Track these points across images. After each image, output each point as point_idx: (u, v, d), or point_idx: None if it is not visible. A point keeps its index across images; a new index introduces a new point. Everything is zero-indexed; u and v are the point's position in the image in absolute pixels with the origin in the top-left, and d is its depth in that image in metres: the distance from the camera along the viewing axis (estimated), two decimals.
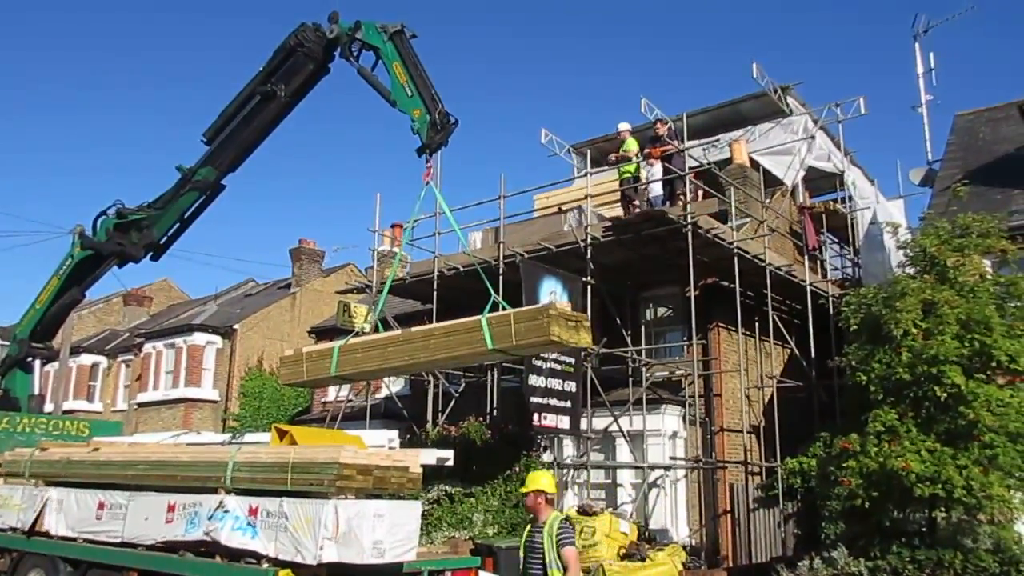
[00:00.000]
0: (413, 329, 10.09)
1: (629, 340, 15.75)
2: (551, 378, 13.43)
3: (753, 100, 17.83)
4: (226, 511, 7.89)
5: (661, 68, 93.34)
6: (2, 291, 72.29)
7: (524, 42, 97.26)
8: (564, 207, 16.52)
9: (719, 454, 14.90)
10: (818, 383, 15.60)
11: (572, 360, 13.86)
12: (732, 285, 14.55)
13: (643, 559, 11.25)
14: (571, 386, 13.85)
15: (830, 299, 16.23)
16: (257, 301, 32.41)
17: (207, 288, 65.45)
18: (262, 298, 32.84)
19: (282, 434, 9.09)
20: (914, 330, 10.02)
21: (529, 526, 6.59)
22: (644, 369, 15.27)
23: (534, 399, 13.08)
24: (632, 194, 15.92)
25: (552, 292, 13.52)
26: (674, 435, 15.19)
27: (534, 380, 13.11)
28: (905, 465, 9.36)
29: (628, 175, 16.01)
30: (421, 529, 8.91)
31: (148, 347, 28.79)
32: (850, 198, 18.15)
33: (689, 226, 13.70)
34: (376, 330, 14.80)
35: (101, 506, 9.36)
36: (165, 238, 13.69)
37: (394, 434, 12.58)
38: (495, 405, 15.82)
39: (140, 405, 28.39)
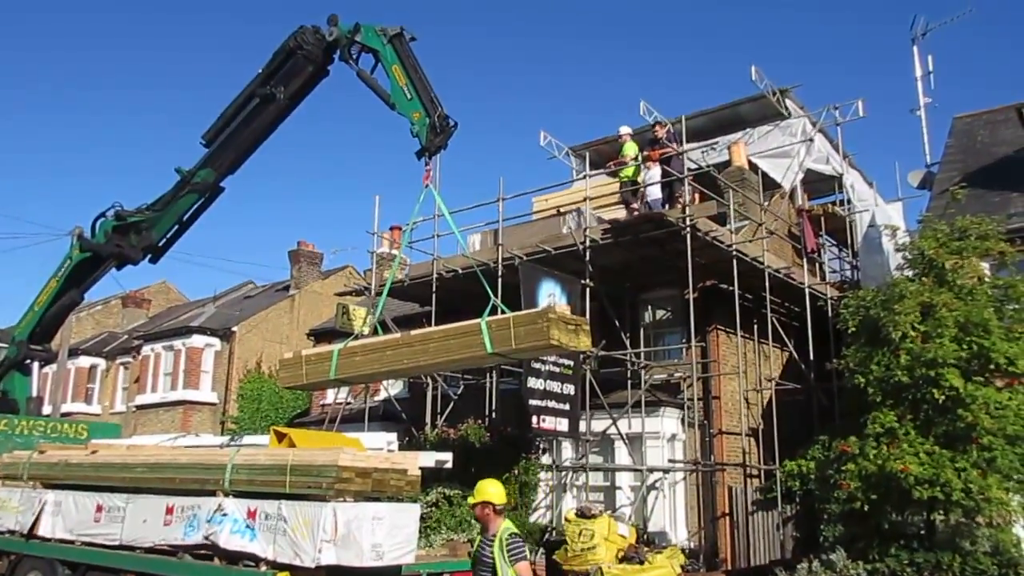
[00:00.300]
0: (412, 332, 10.08)
1: (628, 342, 15.75)
2: (550, 380, 13.43)
3: (752, 103, 17.84)
4: (225, 514, 7.88)
5: (660, 71, 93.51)
6: (1, 293, 72.27)
7: (523, 44, 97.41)
8: (563, 209, 16.52)
9: (718, 457, 14.90)
10: (817, 386, 15.61)
11: (571, 363, 13.87)
12: (731, 288, 14.56)
13: (642, 562, 11.24)
14: (570, 388, 13.85)
15: (829, 302, 16.23)
16: (256, 303, 32.39)
17: (206, 290, 65.43)
18: (261, 300, 32.82)
19: (281, 436, 9.08)
20: (912, 333, 10.02)
21: (479, 537, 6.54)
22: (643, 371, 15.28)
23: (533, 401, 13.08)
24: (630, 197, 15.93)
25: (551, 294, 13.51)
26: (673, 437, 15.19)
27: (533, 382, 13.11)
28: (904, 468, 9.36)
29: (627, 179, 16.03)
30: (420, 532, 8.89)
31: (147, 349, 28.77)
32: (849, 201, 18.16)
33: (688, 228, 13.71)
34: (375, 332, 14.79)
35: (99, 509, 9.35)
36: (164, 240, 13.69)
37: (393, 436, 12.60)
38: (494, 407, 15.82)
39: (138, 407, 28.37)
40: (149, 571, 8.49)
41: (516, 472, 13.62)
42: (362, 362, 10.12)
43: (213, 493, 8.21)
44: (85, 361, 31.77)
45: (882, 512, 10.29)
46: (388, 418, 19.02)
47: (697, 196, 15.26)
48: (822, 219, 18.48)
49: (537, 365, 13.12)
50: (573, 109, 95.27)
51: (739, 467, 14.98)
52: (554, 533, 13.75)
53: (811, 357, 15.59)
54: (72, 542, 9.58)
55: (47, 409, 21.28)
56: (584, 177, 16.27)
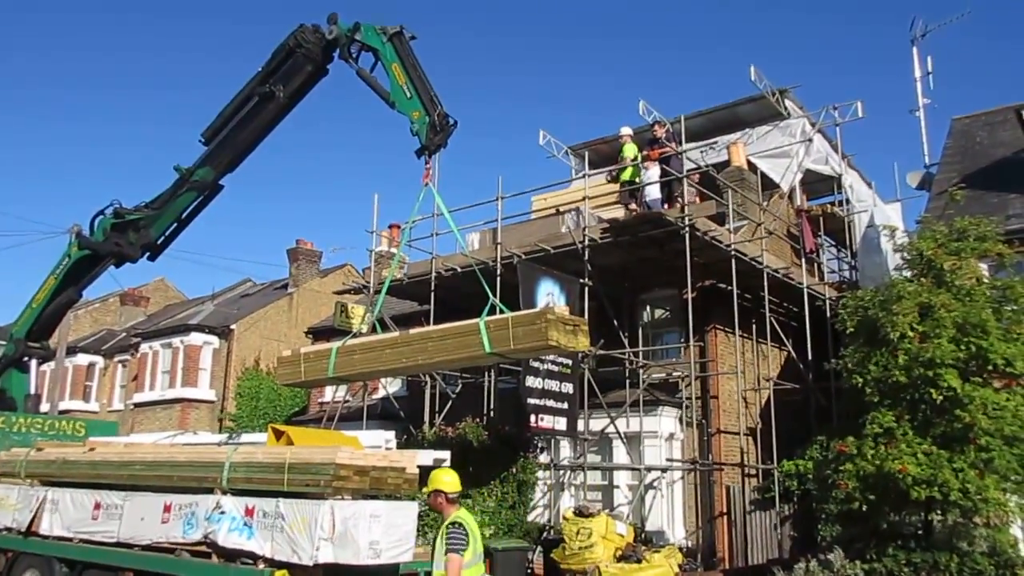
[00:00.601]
0: (411, 331, 10.09)
1: (626, 342, 15.76)
2: (548, 379, 13.43)
3: (751, 103, 17.85)
4: (223, 512, 7.89)
5: (659, 71, 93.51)
6: None
7: (523, 44, 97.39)
8: (562, 208, 16.52)
9: (716, 456, 14.90)
10: (815, 386, 15.62)
11: (569, 362, 13.87)
12: (729, 287, 14.56)
13: (639, 561, 11.26)
14: (568, 388, 13.86)
15: (827, 302, 16.25)
16: (254, 301, 32.38)
17: (204, 288, 65.36)
18: (259, 298, 32.81)
19: (279, 434, 9.09)
20: (911, 333, 10.03)
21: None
22: (641, 371, 15.28)
23: (531, 400, 13.08)
24: (628, 198, 15.93)
25: (549, 294, 13.52)
26: (671, 437, 15.20)
27: (531, 381, 13.11)
28: (901, 468, 9.36)
29: (626, 180, 16.03)
30: (417, 530, 8.89)
31: (145, 347, 28.75)
32: (847, 201, 18.17)
33: (687, 228, 13.71)
34: (374, 331, 14.79)
35: (97, 506, 9.36)
36: (162, 238, 13.68)
37: (391, 435, 12.58)
38: (492, 406, 15.82)
39: (136, 405, 28.35)
40: (147, 569, 8.50)
41: (514, 471, 13.62)
42: (360, 360, 10.13)
43: (211, 491, 8.22)
44: (83, 359, 31.75)
45: (880, 512, 10.30)
46: (386, 416, 19.02)
47: (697, 195, 15.26)
48: (821, 219, 18.49)
49: (536, 364, 13.13)
50: (572, 108, 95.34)
51: (737, 467, 14.99)
52: (552, 532, 13.77)
53: (809, 357, 15.60)
54: (70, 540, 9.58)
55: (45, 407, 21.31)
56: (583, 176, 16.27)
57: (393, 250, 20.93)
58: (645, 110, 18.10)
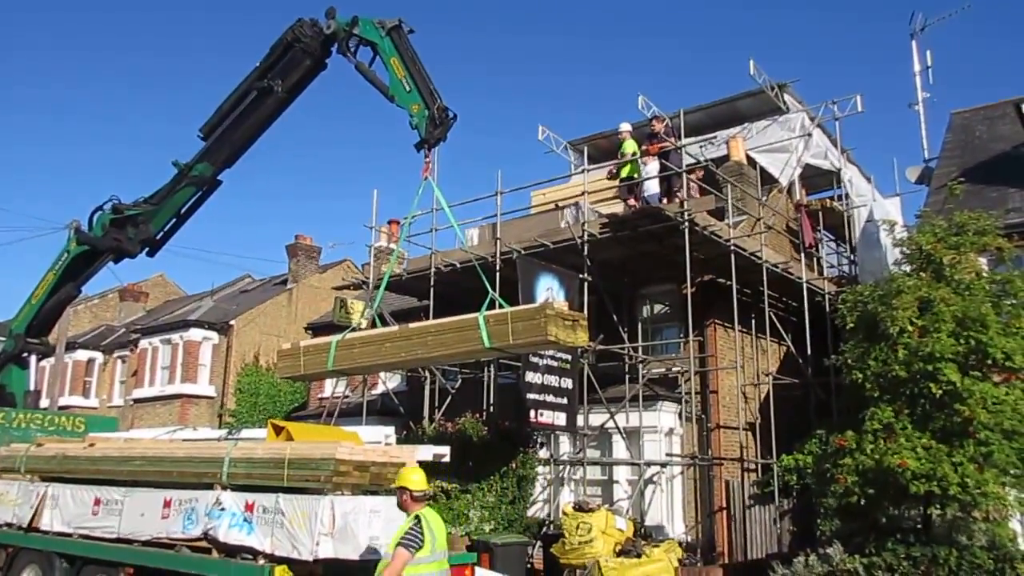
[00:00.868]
0: (410, 325, 10.08)
1: (626, 337, 15.76)
2: (548, 375, 13.43)
3: (750, 98, 17.81)
4: (223, 508, 7.90)
5: (658, 65, 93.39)
6: None
7: (521, 39, 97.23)
8: (561, 204, 16.50)
9: (715, 451, 14.91)
10: (814, 380, 15.62)
11: (569, 357, 13.86)
12: (729, 282, 14.55)
13: (639, 555, 11.26)
14: (568, 383, 13.85)
15: (826, 296, 16.25)
16: (253, 297, 32.37)
17: (203, 284, 65.41)
18: (258, 294, 32.80)
19: (278, 430, 9.09)
20: (910, 327, 10.03)
21: None
22: (641, 366, 15.28)
23: (531, 395, 13.08)
24: (626, 193, 15.91)
25: (549, 289, 13.51)
26: (670, 432, 15.21)
27: (531, 376, 13.11)
28: (901, 462, 9.37)
29: (625, 176, 16.00)
30: None
31: (144, 343, 28.76)
32: (847, 195, 18.15)
33: (686, 223, 13.70)
34: (373, 326, 14.77)
35: (97, 502, 9.37)
36: (161, 234, 13.67)
37: (390, 430, 12.59)
38: (492, 401, 15.81)
39: (136, 401, 28.37)
40: (147, 564, 8.51)
41: (514, 466, 13.61)
42: (360, 354, 10.13)
43: (211, 486, 8.23)
44: (82, 355, 31.75)
45: (879, 506, 10.32)
46: (386, 412, 19.02)
47: (697, 189, 15.25)
48: (820, 214, 18.48)
49: (535, 359, 13.13)
50: (572, 103, 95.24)
51: (736, 461, 15.01)
52: (552, 527, 13.78)
53: (809, 352, 15.61)
54: (70, 535, 9.59)
55: (44, 402, 21.37)
56: (583, 171, 16.25)
57: (392, 246, 20.90)
58: (644, 105, 18.07)
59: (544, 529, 13.89)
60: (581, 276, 14.58)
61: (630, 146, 16.01)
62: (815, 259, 18.12)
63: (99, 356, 32.13)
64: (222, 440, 10.27)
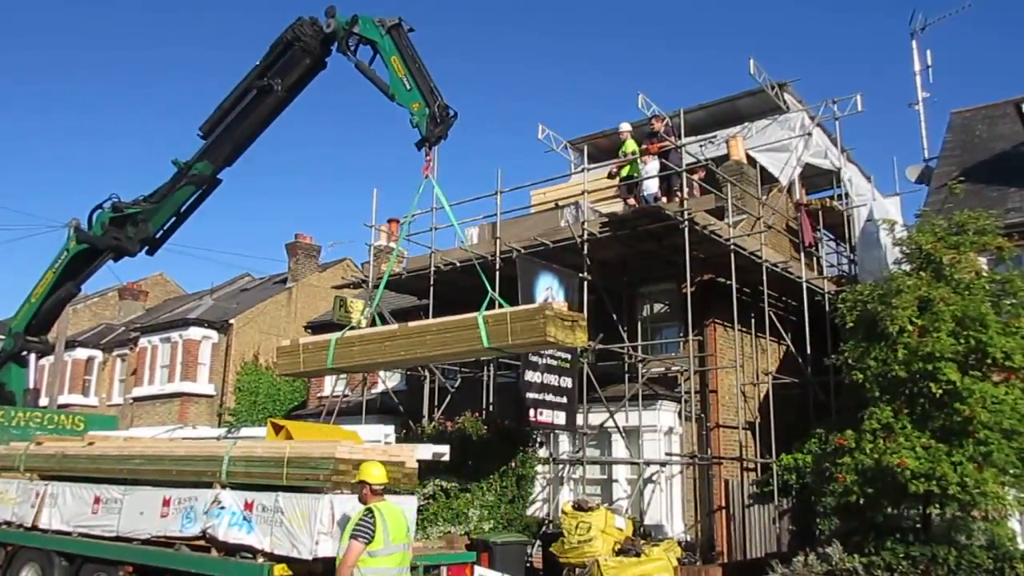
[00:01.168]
0: (409, 324, 10.07)
1: (625, 336, 15.76)
2: (547, 374, 13.43)
3: (750, 97, 17.80)
4: (222, 507, 7.89)
5: (658, 64, 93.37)
6: None
7: (521, 38, 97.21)
8: (561, 203, 16.51)
9: (715, 450, 14.92)
10: (814, 380, 15.62)
11: (568, 356, 13.87)
12: (728, 281, 14.55)
13: (638, 554, 11.27)
14: (567, 382, 13.86)
15: (826, 296, 16.25)
16: (253, 296, 32.36)
17: (203, 282, 65.36)
18: (258, 293, 32.79)
19: (278, 429, 9.09)
20: (910, 327, 10.03)
21: None
22: (640, 365, 15.29)
23: (530, 395, 13.09)
24: (626, 192, 15.90)
25: (548, 288, 13.51)
26: (670, 431, 15.21)
27: (530, 376, 13.12)
28: (900, 461, 9.38)
29: (625, 175, 15.99)
30: (417, 524, 8.91)
31: (144, 341, 28.75)
32: (846, 195, 18.14)
33: (686, 222, 13.70)
34: (372, 325, 14.77)
35: (96, 500, 9.37)
36: (161, 232, 13.65)
37: (390, 429, 12.61)
38: (491, 400, 15.82)
39: (135, 399, 28.36)
40: (146, 562, 8.50)
41: (513, 465, 13.62)
42: (359, 352, 10.13)
43: (210, 485, 8.23)
44: (82, 353, 31.73)
45: (878, 506, 10.32)
46: (386, 411, 19.02)
47: (697, 188, 15.24)
48: (820, 213, 18.49)
49: (535, 358, 13.13)
50: (572, 102, 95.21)
51: (736, 461, 15.01)
52: (551, 526, 13.79)
53: (808, 351, 15.61)
54: (69, 534, 9.59)
55: (44, 401, 21.31)
56: (582, 171, 16.25)
57: (392, 244, 20.90)
58: (644, 104, 18.06)
59: (543, 528, 13.90)
60: (581, 275, 14.58)
61: (631, 146, 16.01)
62: (815, 258, 18.12)
63: (99, 355, 32.12)
64: (221, 439, 10.30)
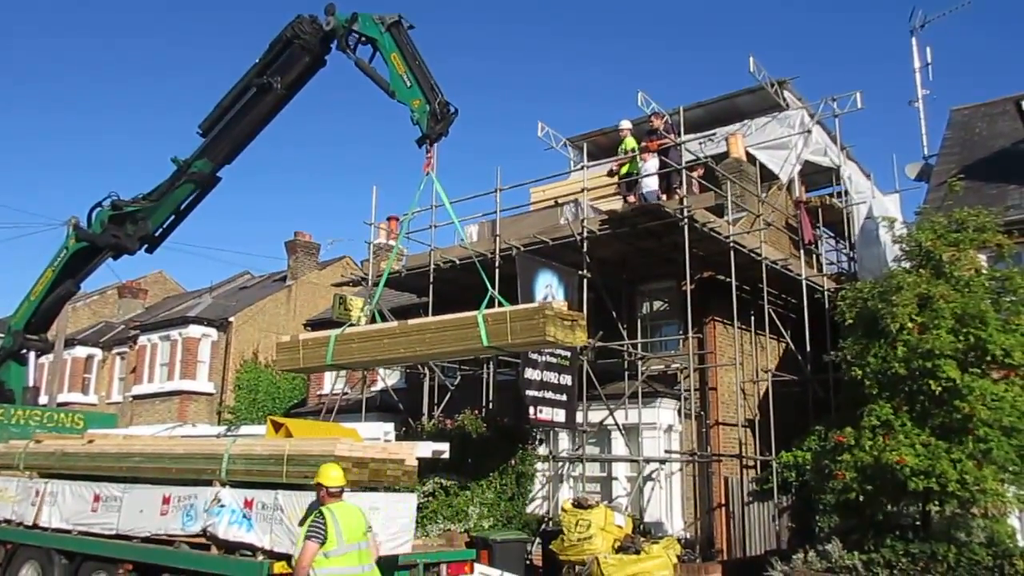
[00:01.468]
0: (409, 322, 10.07)
1: (625, 334, 15.76)
2: (547, 371, 13.44)
3: (749, 94, 17.79)
4: (222, 504, 7.89)
5: (657, 62, 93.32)
6: None
7: (521, 35, 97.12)
8: (560, 200, 16.50)
9: (714, 448, 14.92)
10: (813, 377, 15.63)
11: (568, 354, 13.87)
12: (728, 279, 14.55)
13: (638, 552, 11.27)
14: (567, 379, 13.86)
15: (826, 293, 16.24)
16: (252, 294, 32.35)
17: (202, 280, 65.40)
18: (257, 291, 32.78)
19: (277, 427, 9.08)
20: (910, 324, 10.04)
21: None
22: (640, 363, 15.29)
23: (530, 392, 13.09)
24: (626, 189, 15.89)
25: (548, 285, 13.51)
26: (669, 428, 15.22)
27: (530, 373, 13.12)
28: (899, 459, 9.39)
29: (625, 172, 15.98)
30: (416, 522, 8.90)
31: (143, 339, 28.74)
32: (846, 192, 18.14)
33: (685, 220, 13.70)
34: (372, 323, 14.76)
35: (96, 498, 9.36)
36: (160, 230, 13.65)
37: (390, 427, 12.61)
38: (491, 398, 15.83)
39: (135, 397, 28.35)
40: (146, 560, 8.50)
41: (513, 462, 13.63)
42: (358, 349, 10.13)
43: (210, 483, 8.22)
44: (81, 351, 31.72)
45: (877, 503, 10.33)
46: (385, 408, 19.02)
47: (696, 185, 15.23)
48: (819, 211, 18.49)
49: (534, 356, 13.13)
50: (571, 100, 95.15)
51: (735, 458, 15.02)
52: (551, 523, 13.79)
53: (808, 349, 15.61)
54: (68, 531, 9.59)
55: (43, 399, 21.29)
56: (582, 168, 16.23)
57: (391, 242, 20.90)
58: (643, 101, 18.03)
59: (543, 526, 13.91)
60: (580, 273, 14.58)
61: (631, 143, 16.00)
62: (814, 256, 18.12)
63: (98, 353, 32.12)
64: (221, 437, 10.28)
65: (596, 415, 15.15)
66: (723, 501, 14.60)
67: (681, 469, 15.02)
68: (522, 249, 14.87)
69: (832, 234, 19.66)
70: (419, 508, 10.79)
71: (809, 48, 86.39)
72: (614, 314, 15.81)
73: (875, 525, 10.49)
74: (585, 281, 14.64)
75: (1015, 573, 9.11)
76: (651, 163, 15.39)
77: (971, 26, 71.07)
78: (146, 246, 13.76)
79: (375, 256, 18.36)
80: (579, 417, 14.36)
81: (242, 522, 7.74)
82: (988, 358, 9.76)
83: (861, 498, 9.96)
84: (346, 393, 19.97)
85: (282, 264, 33.19)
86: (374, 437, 10.27)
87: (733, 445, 15.12)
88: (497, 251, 15.04)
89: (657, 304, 16.89)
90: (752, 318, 16.02)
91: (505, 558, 11.00)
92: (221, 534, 7.80)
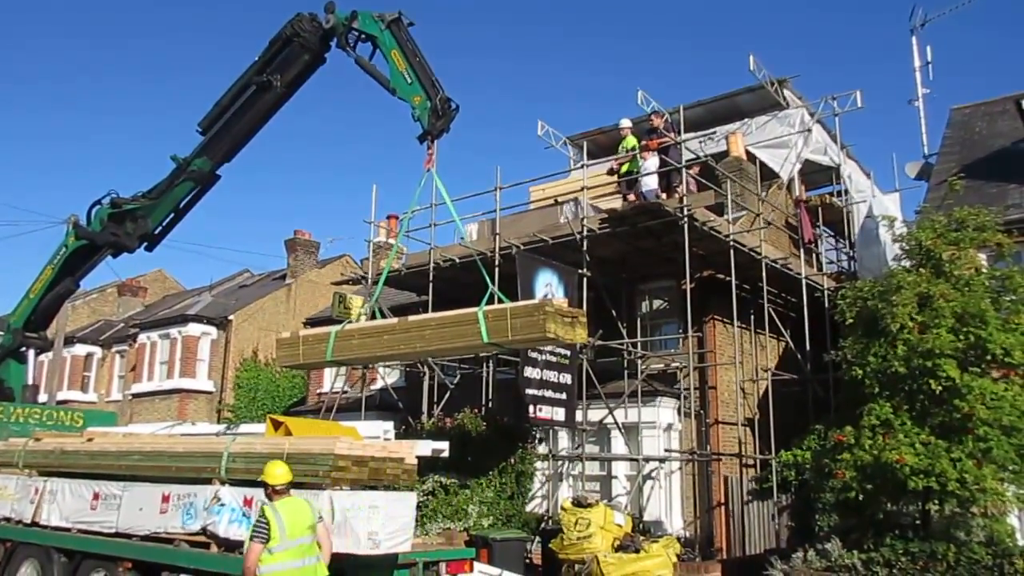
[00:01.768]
0: (409, 318, 10.06)
1: (625, 333, 15.75)
2: (547, 370, 13.43)
3: (749, 93, 17.77)
4: (222, 503, 7.88)
5: (657, 61, 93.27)
6: None
7: (520, 34, 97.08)
8: (560, 199, 16.49)
9: (714, 446, 14.92)
10: (813, 376, 15.63)
11: (568, 352, 13.86)
12: (728, 278, 14.55)
13: (638, 551, 11.27)
14: (567, 378, 13.86)
15: (825, 292, 16.24)
16: (252, 292, 32.34)
17: (202, 279, 65.39)
18: (257, 289, 32.77)
19: (277, 425, 9.07)
20: (910, 323, 10.04)
21: None
22: (639, 362, 15.28)
23: (530, 391, 13.09)
24: (626, 188, 15.89)
25: (548, 284, 13.50)
26: (669, 427, 15.22)
27: (530, 372, 13.11)
28: (899, 458, 9.39)
29: (625, 171, 15.97)
30: (416, 521, 8.89)
31: (143, 337, 28.73)
32: (846, 191, 18.14)
33: (685, 219, 13.69)
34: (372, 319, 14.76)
35: (95, 496, 9.35)
36: (160, 228, 13.65)
37: (389, 425, 12.57)
38: (491, 397, 15.82)
39: (135, 396, 28.35)
40: (145, 559, 8.49)
41: (513, 461, 13.63)
42: (359, 345, 10.13)
43: (209, 481, 8.21)
44: (81, 349, 31.70)
45: (877, 502, 10.33)
46: (385, 407, 19.02)
47: (695, 185, 15.22)
48: (819, 210, 18.48)
49: (534, 355, 13.12)
50: (571, 99, 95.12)
51: (735, 457, 15.02)
52: (550, 522, 13.80)
53: (808, 348, 15.60)
54: (68, 530, 9.58)
55: (43, 397, 21.29)
56: (582, 167, 16.22)
57: (391, 241, 20.89)
58: (643, 100, 18.00)
59: (543, 524, 13.91)
60: (580, 272, 14.57)
61: (631, 142, 15.99)
62: (814, 255, 18.11)
63: (97, 351, 32.10)
64: (221, 435, 10.26)
65: (596, 414, 15.15)
66: (723, 500, 14.60)
67: (681, 468, 15.02)
68: (522, 248, 14.86)
69: (832, 233, 19.65)
70: (419, 507, 10.78)
71: (809, 47, 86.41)
72: (614, 313, 15.81)
73: (875, 524, 10.49)
74: (585, 280, 14.63)
75: (1015, 572, 9.11)
76: (651, 162, 15.39)
77: (971, 25, 71.12)
78: (145, 244, 13.76)
79: (375, 255, 18.35)
80: (579, 416, 14.35)
81: (242, 520, 7.73)
82: (988, 357, 9.76)
83: (861, 497, 9.97)
84: (346, 391, 19.96)
85: (282, 262, 33.21)
86: (374, 436, 10.23)
87: (733, 444, 15.12)
88: (497, 250, 15.03)
89: (657, 303, 16.88)
90: (752, 317, 16.02)
91: (505, 557, 10.98)
92: (221, 532, 7.79)
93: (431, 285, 16.18)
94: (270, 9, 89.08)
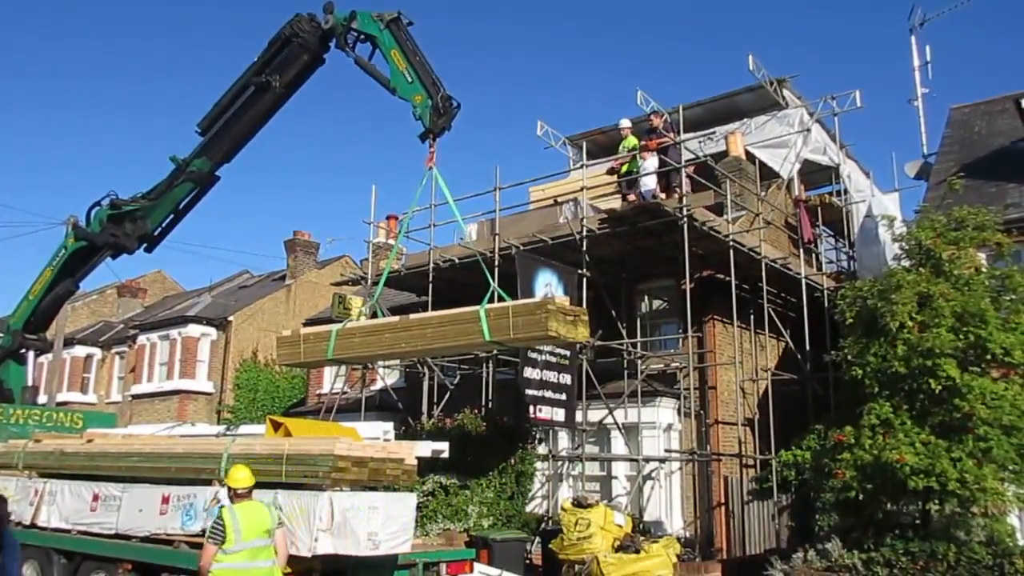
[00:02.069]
0: (410, 317, 10.07)
1: (624, 333, 15.75)
2: (546, 370, 13.42)
3: (749, 93, 17.78)
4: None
5: (657, 60, 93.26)
6: None
7: (519, 35, 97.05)
8: (560, 199, 16.48)
9: (714, 447, 14.92)
10: (813, 376, 15.62)
11: (568, 353, 13.87)
12: (727, 278, 14.55)
13: (638, 551, 11.26)
14: (566, 378, 13.85)
15: (825, 292, 16.23)
16: (252, 293, 32.33)
17: (201, 280, 65.30)
18: (257, 290, 32.75)
19: (277, 426, 9.08)
20: (910, 323, 10.03)
21: None
22: (639, 362, 15.28)
23: (529, 391, 13.08)
24: (625, 188, 15.88)
25: (547, 284, 13.49)
26: (669, 427, 15.22)
27: (529, 372, 13.11)
28: (899, 457, 9.38)
29: (625, 171, 15.97)
30: (416, 521, 8.90)
31: (142, 339, 28.71)
32: (845, 191, 18.13)
33: (685, 219, 13.69)
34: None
35: (95, 498, 9.36)
36: (159, 229, 13.64)
37: (389, 426, 12.59)
38: (490, 397, 15.82)
39: (134, 397, 28.32)
40: (145, 560, 8.49)
41: (513, 461, 13.63)
42: (359, 344, 10.13)
43: (209, 482, 8.22)
44: (81, 350, 31.68)
45: (877, 502, 10.33)
46: (385, 408, 19.01)
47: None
48: (819, 209, 18.47)
49: (534, 355, 13.12)
50: (570, 99, 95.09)
51: (735, 457, 15.01)
52: (550, 522, 13.79)
53: (807, 348, 15.59)
54: (68, 531, 9.58)
55: (43, 398, 21.29)
56: (581, 167, 16.22)
57: (391, 241, 20.88)
58: (643, 100, 18.00)
59: (543, 525, 13.90)
60: (580, 272, 14.56)
61: (631, 142, 15.99)
62: (814, 255, 18.10)
63: (97, 352, 32.08)
64: (220, 436, 10.27)
65: (596, 414, 15.14)
66: (723, 500, 14.59)
67: (681, 468, 15.01)
68: (521, 248, 14.86)
69: (831, 233, 19.65)
70: (419, 507, 10.78)
71: (809, 47, 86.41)
72: (613, 313, 15.80)
73: (875, 524, 10.49)
74: (585, 280, 14.63)
75: (1015, 572, 9.11)
76: (650, 162, 15.38)
77: (971, 25, 71.15)
78: (145, 245, 13.75)
79: (374, 255, 18.35)
80: (579, 416, 14.35)
81: None
82: (988, 357, 9.76)
83: (861, 497, 9.96)
84: (345, 392, 19.94)
85: (281, 263, 33.18)
86: (373, 436, 10.27)
87: (733, 444, 15.11)
88: (496, 250, 15.02)
89: (656, 303, 16.88)
90: (752, 317, 16.01)
91: (505, 557, 10.99)
92: None
93: (431, 285, 16.18)
94: (270, 9, 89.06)
